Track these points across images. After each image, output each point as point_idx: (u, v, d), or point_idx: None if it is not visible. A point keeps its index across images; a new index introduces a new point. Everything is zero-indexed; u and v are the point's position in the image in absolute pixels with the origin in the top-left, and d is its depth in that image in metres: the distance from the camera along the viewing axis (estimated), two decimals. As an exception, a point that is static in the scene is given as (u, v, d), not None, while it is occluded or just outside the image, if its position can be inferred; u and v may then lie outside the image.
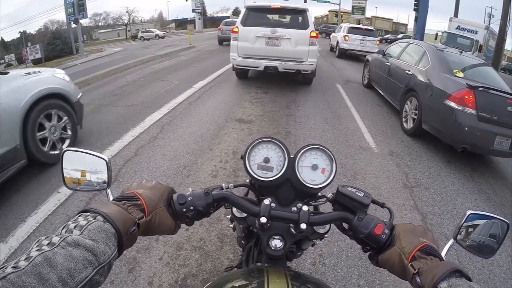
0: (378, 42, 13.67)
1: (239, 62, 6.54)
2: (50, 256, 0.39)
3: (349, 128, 4.84)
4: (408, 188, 3.30)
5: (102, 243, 0.45)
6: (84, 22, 30.84)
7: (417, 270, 0.55)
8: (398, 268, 0.60)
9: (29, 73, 3.22)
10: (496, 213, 0.71)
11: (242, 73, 7.35)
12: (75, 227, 0.45)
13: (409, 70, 5.10)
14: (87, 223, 0.46)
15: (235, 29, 6.35)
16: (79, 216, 0.49)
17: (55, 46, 26.28)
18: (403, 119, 4.98)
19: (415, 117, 4.58)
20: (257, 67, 6.41)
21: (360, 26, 16.37)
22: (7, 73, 3.16)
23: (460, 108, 3.80)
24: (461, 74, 4.33)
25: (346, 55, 13.56)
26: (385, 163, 3.80)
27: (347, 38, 13.21)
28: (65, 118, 3.48)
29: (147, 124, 4.53)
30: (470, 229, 0.68)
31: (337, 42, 14.17)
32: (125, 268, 2.03)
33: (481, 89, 3.82)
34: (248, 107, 5.51)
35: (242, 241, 1.03)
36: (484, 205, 3.22)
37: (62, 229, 0.46)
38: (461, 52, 5.35)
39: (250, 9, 6.52)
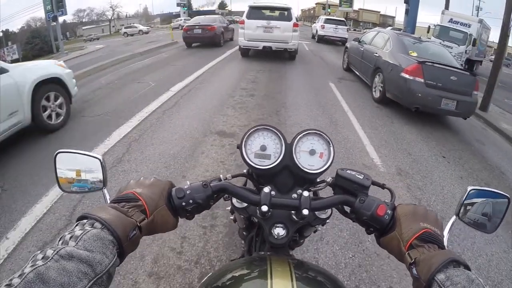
0: (347, 30, 17.46)
1: (245, 44, 9.33)
2: (43, 272, 0.38)
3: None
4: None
5: (98, 252, 0.43)
6: (67, 18, 29.01)
7: (413, 260, 0.53)
8: (397, 254, 0.60)
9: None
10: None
11: (245, 52, 10.04)
12: (70, 237, 0.44)
13: (376, 53, 6.45)
14: (82, 233, 0.44)
15: (242, 21, 9.16)
16: (76, 225, 0.47)
17: (34, 45, 25.49)
18: (373, 90, 6.35)
19: (381, 88, 5.92)
20: (258, 47, 9.19)
21: (334, 17, 21.41)
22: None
23: (411, 78, 5.11)
24: (415, 54, 5.65)
25: (323, 40, 17.10)
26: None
27: (323, 27, 17.06)
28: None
29: (112, 141, 3.82)
30: (472, 205, 0.68)
31: (316, 30, 18.21)
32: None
33: (428, 63, 5.15)
34: (231, 114, 4.83)
35: (244, 232, 1.03)
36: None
37: (59, 240, 0.44)
38: (420, 38, 6.76)
39: (252, 7, 9.39)
